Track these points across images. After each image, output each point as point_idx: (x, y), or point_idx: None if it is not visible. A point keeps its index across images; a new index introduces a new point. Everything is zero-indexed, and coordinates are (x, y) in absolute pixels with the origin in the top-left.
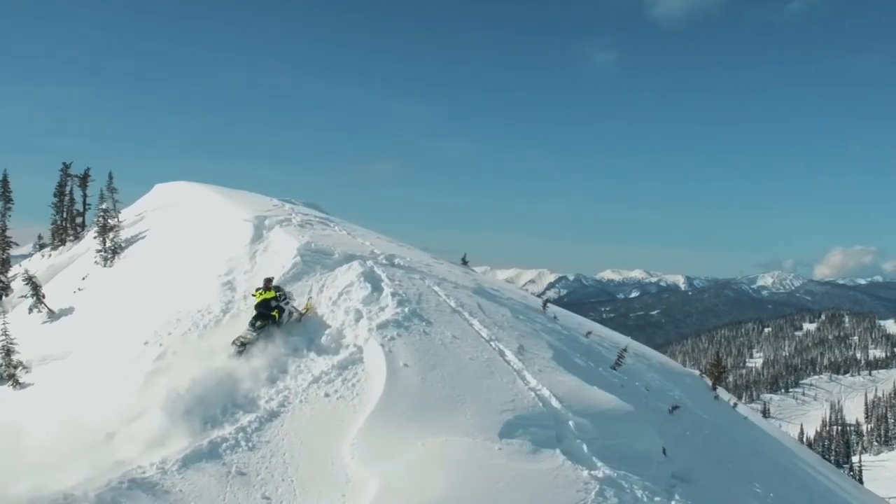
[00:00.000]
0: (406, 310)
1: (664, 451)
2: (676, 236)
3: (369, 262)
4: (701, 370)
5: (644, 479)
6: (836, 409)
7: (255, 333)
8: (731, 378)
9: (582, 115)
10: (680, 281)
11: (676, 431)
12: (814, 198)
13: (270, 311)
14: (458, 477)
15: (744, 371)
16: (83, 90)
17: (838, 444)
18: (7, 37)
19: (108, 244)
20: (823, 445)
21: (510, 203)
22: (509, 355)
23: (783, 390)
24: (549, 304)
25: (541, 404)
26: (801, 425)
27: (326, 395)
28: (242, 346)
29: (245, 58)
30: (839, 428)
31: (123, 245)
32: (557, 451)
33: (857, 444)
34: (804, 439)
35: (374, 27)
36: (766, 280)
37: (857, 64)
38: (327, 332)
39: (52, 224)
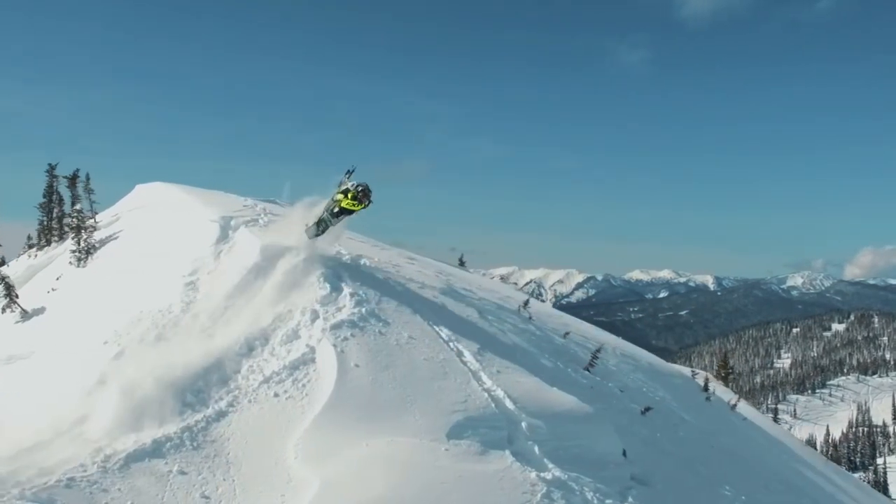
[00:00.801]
0: (363, 310)
1: (624, 453)
2: (705, 236)
3: (332, 262)
4: (693, 370)
5: (597, 482)
6: (863, 411)
7: (333, 221)
8: (758, 379)
9: (609, 115)
10: (709, 281)
11: (646, 433)
12: (845, 197)
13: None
14: (400, 477)
15: (771, 372)
16: (115, 91)
17: (864, 446)
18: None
19: (82, 245)
20: (849, 447)
21: (538, 203)
22: (467, 356)
23: (810, 391)
24: (529, 304)
25: (493, 405)
26: (827, 426)
27: (276, 395)
28: (325, 228)
29: (271, 60)
30: (865, 429)
31: (97, 245)
32: (507, 452)
33: (884, 445)
34: (829, 440)
35: (399, 27)
36: (796, 280)
37: (889, 62)
38: (282, 332)
39: (39, 225)
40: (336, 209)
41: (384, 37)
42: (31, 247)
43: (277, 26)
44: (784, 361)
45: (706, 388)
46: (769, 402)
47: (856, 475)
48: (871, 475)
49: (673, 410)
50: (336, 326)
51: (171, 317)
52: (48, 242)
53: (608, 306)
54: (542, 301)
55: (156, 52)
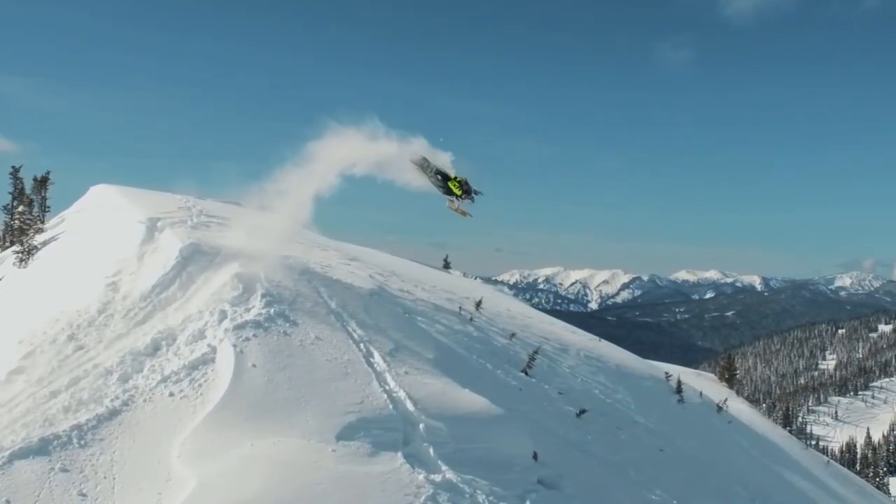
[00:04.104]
0: (272, 310)
1: (535, 456)
2: (753, 237)
3: (253, 263)
4: (667, 373)
5: (494, 485)
6: None
7: (435, 177)
8: (802, 380)
9: (653, 115)
10: (756, 281)
11: (575, 436)
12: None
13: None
14: (279, 478)
15: (815, 373)
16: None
17: None
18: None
19: (24, 246)
20: (888, 449)
21: (584, 204)
22: (377, 357)
23: (852, 393)
24: (482, 305)
25: (391, 406)
26: (867, 429)
27: (171, 394)
28: (425, 162)
29: (311, 60)
30: None
31: (38, 247)
32: (398, 454)
33: None
34: (869, 443)
35: (444, 27)
36: (845, 281)
37: None
38: (189, 332)
39: (4, 226)
40: (441, 175)
41: (428, 38)
42: None
43: (312, 26)
44: (829, 363)
45: (679, 390)
46: (809, 404)
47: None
48: None
49: (624, 413)
50: (240, 327)
51: (87, 317)
52: (12, 243)
53: (654, 307)
54: (587, 301)
55: (190, 54)
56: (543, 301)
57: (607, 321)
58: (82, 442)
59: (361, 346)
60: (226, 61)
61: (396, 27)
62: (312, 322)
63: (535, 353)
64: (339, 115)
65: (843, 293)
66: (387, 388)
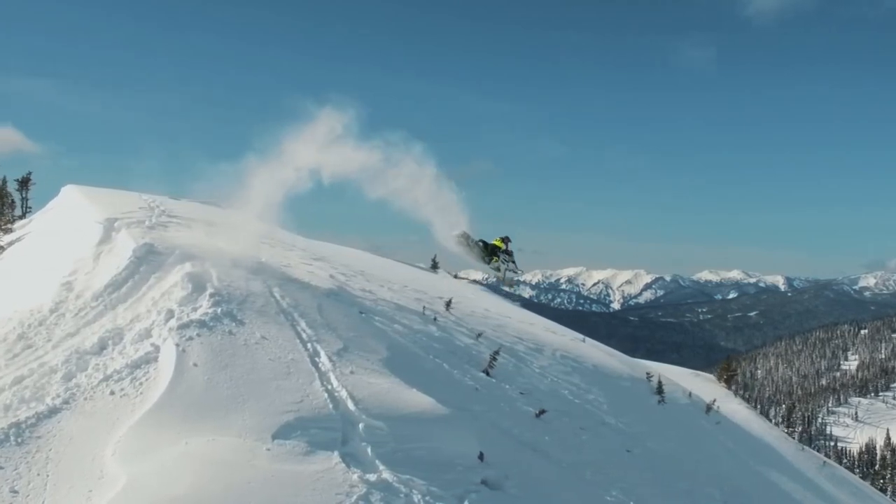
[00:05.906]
0: (219, 310)
1: (481, 457)
2: (776, 236)
3: (206, 263)
4: (648, 373)
5: (432, 485)
6: None
7: (477, 245)
8: (823, 381)
9: (675, 114)
10: (779, 282)
11: (530, 436)
12: None
13: (488, 250)
14: (209, 476)
15: (837, 374)
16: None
17: None
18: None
19: None
20: None
21: (606, 203)
22: (323, 356)
23: (873, 394)
24: (452, 305)
25: (331, 406)
26: (887, 430)
27: (112, 392)
28: (465, 235)
29: (314, 58)
30: None
31: (4, 247)
32: (335, 453)
33: None
34: (889, 444)
35: (464, 26)
36: (869, 281)
37: None
38: (135, 331)
39: None
40: (482, 242)
41: (448, 37)
42: None
43: (316, 23)
44: (851, 363)
45: (660, 391)
46: (830, 405)
47: None
48: None
49: (592, 413)
50: (184, 326)
51: (39, 316)
52: None
53: (676, 307)
54: (609, 301)
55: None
56: (566, 301)
57: (630, 321)
58: (19, 440)
59: (309, 345)
60: (225, 59)
61: (406, 25)
62: (260, 321)
63: (496, 352)
64: (326, 100)
65: (867, 293)
66: (329, 387)
